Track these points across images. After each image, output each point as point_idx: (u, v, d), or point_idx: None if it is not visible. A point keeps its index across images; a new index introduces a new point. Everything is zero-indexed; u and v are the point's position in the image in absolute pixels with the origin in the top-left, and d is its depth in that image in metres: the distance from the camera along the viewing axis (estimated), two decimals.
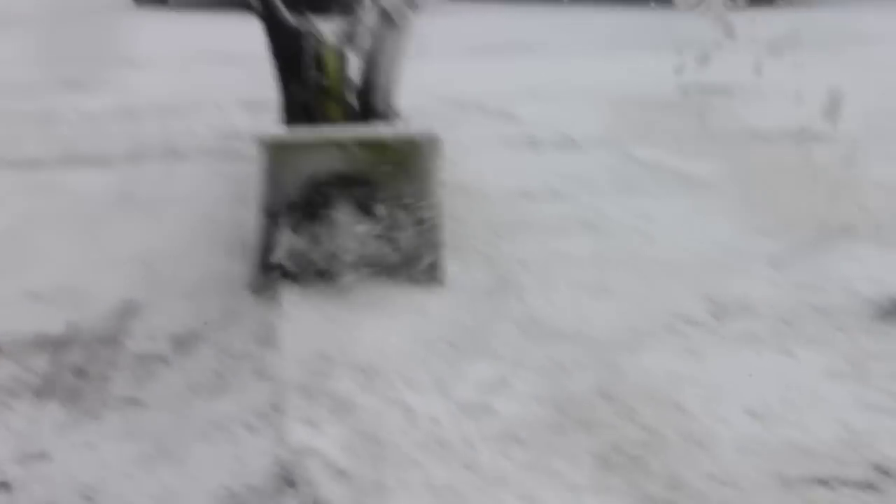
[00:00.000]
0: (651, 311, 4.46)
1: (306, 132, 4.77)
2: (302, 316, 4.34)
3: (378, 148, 4.60)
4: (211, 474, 3.34)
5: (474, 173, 6.53)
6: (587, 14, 16.92)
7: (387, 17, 5.07)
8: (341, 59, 5.16)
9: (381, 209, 4.59)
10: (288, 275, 4.58)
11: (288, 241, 4.56)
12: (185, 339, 4.29)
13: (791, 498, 3.15)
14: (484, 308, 4.44)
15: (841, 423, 3.55)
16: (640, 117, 8.33)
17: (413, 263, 4.63)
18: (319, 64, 5.16)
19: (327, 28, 5.16)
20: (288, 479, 3.27)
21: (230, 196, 6.26)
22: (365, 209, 4.58)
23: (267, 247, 4.59)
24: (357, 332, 4.19)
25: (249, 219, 5.62)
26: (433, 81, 9.20)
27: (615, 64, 11.10)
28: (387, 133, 4.72)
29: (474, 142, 7.46)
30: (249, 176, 6.54)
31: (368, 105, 5.16)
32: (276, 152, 4.54)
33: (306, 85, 5.19)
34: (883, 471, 3.29)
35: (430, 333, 4.19)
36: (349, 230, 4.56)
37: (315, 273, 4.58)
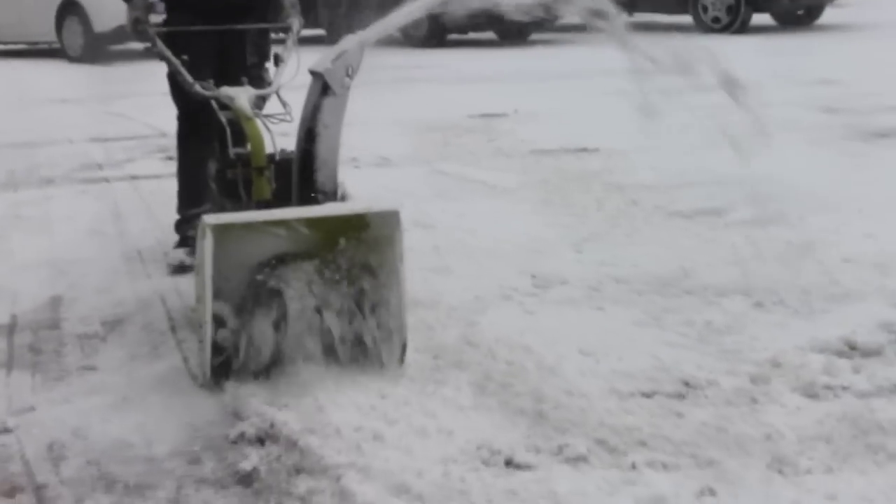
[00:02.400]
0: (488, 285, 5.23)
1: (259, 214, 4.24)
2: None
3: (345, 225, 4.12)
4: (172, 414, 3.93)
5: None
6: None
7: (324, 87, 4.40)
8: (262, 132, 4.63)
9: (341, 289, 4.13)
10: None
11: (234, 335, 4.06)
12: (113, 322, 4.85)
13: (626, 404, 3.95)
14: None
15: (651, 356, 4.38)
16: (441, 139, 9.16)
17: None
18: (239, 138, 4.68)
19: (243, 97, 4.71)
20: (237, 414, 3.89)
21: (107, 213, 6.76)
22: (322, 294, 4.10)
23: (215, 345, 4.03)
24: None
25: (133, 231, 6.20)
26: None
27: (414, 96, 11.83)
28: (352, 209, 4.24)
29: None
30: (116, 196, 7.11)
31: (309, 181, 4.51)
32: (223, 236, 3.90)
33: (227, 162, 4.70)
34: (687, 384, 4.12)
35: None
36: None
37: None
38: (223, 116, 4.68)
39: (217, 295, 3.94)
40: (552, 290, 5.20)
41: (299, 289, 4.05)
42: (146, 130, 9.90)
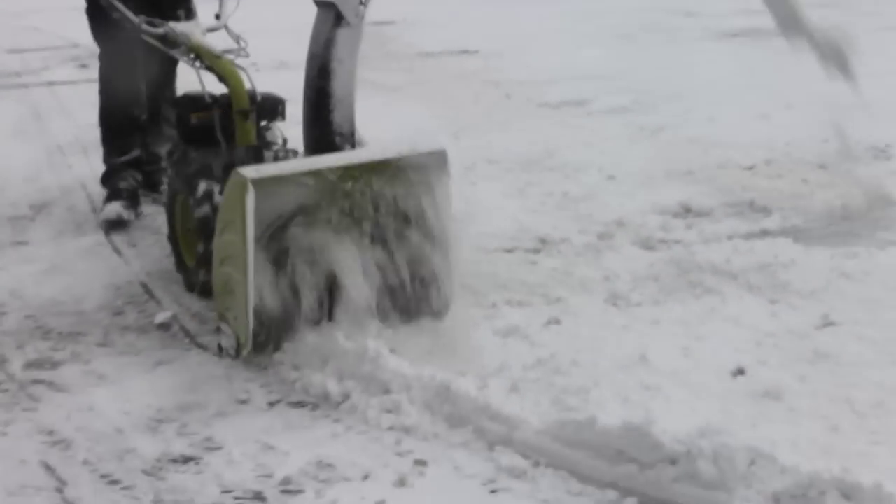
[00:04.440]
0: None
1: (294, 164, 3.80)
2: None
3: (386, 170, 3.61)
4: (98, 278, 4.30)
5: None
6: None
7: (337, 17, 3.79)
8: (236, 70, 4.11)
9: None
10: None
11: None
12: (40, 206, 5.19)
13: (489, 257, 4.39)
14: None
15: (514, 220, 4.83)
16: None
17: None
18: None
19: (197, 33, 4.17)
20: (149, 291, 4.25)
21: (28, 114, 7.04)
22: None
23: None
24: None
25: (53, 129, 6.48)
26: None
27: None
28: (394, 152, 3.66)
29: None
30: (36, 100, 7.35)
31: (324, 122, 3.89)
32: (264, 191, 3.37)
33: (188, 104, 4.19)
34: (543, 241, 4.58)
35: None
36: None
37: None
38: (182, 56, 4.17)
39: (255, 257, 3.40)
40: None
41: (347, 240, 3.57)
42: (59, 42, 10.09)
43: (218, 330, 3.59)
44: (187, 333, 3.80)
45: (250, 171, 3.40)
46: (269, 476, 2.92)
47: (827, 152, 5.75)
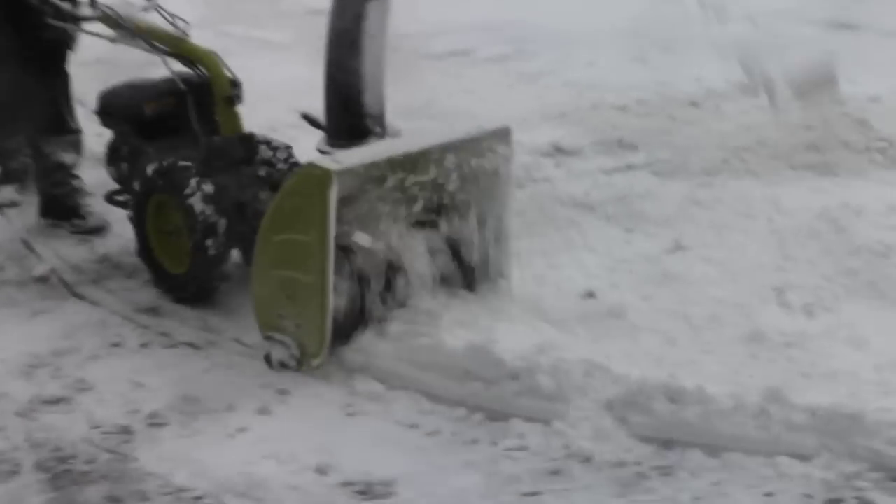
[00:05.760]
0: (258, 120, 5.71)
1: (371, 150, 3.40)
2: None
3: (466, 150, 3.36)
4: None
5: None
6: None
7: None
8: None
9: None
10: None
11: None
12: None
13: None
14: None
15: None
16: (226, 4, 9.51)
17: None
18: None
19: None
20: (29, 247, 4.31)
21: None
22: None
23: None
24: None
25: None
26: None
27: None
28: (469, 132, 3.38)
29: None
30: None
31: (354, 103, 3.65)
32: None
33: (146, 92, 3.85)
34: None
35: None
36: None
37: None
38: (127, 41, 3.80)
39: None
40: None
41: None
42: None
43: (268, 340, 3.23)
44: (65, 284, 3.92)
45: (330, 162, 3.05)
46: (136, 412, 3.08)
47: (697, 91, 5.97)
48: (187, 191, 3.55)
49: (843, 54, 5.68)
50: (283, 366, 3.21)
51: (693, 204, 4.31)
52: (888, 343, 3.25)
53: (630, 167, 4.88)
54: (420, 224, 3.37)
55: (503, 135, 3.41)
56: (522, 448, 2.87)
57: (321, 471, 2.80)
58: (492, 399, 3.02)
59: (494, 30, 7.79)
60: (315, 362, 3.17)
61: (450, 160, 3.30)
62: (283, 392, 3.15)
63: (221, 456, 2.87)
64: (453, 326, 3.26)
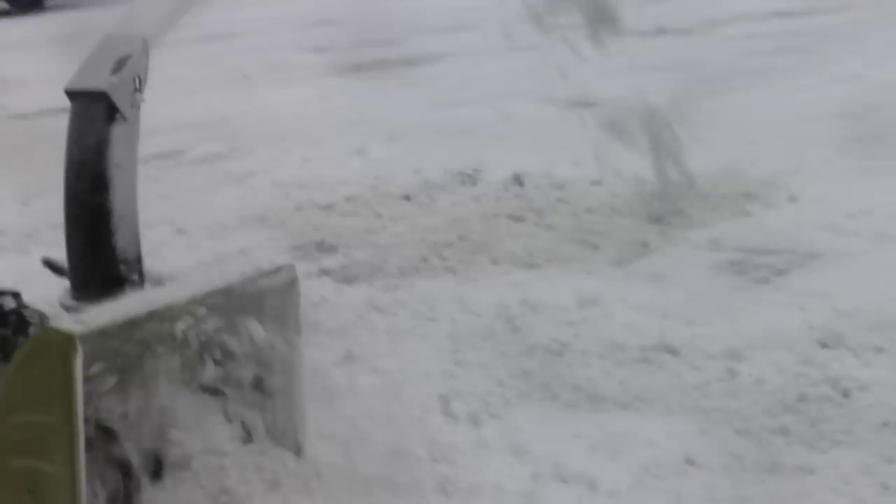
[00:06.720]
0: None
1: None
2: None
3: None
4: None
5: None
6: None
7: (110, 110, 3.00)
8: None
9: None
10: None
11: None
12: None
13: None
14: None
15: None
16: None
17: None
18: None
19: None
20: None
21: None
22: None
23: None
24: None
25: None
26: None
27: None
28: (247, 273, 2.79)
29: None
30: None
31: (104, 248, 3.03)
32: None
33: None
34: None
35: None
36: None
37: None
38: None
39: None
40: None
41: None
42: None
43: None
44: None
45: (73, 323, 2.43)
46: None
47: (412, 183, 5.78)
48: None
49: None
50: None
51: (374, 310, 4.06)
52: (550, 450, 3.02)
53: (324, 272, 4.61)
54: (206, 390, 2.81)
55: (286, 274, 2.86)
56: None
57: None
58: None
59: (211, 126, 7.52)
60: None
61: (220, 310, 2.73)
62: None
63: None
64: None
